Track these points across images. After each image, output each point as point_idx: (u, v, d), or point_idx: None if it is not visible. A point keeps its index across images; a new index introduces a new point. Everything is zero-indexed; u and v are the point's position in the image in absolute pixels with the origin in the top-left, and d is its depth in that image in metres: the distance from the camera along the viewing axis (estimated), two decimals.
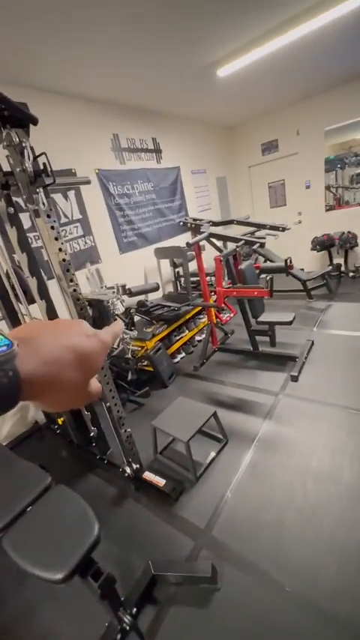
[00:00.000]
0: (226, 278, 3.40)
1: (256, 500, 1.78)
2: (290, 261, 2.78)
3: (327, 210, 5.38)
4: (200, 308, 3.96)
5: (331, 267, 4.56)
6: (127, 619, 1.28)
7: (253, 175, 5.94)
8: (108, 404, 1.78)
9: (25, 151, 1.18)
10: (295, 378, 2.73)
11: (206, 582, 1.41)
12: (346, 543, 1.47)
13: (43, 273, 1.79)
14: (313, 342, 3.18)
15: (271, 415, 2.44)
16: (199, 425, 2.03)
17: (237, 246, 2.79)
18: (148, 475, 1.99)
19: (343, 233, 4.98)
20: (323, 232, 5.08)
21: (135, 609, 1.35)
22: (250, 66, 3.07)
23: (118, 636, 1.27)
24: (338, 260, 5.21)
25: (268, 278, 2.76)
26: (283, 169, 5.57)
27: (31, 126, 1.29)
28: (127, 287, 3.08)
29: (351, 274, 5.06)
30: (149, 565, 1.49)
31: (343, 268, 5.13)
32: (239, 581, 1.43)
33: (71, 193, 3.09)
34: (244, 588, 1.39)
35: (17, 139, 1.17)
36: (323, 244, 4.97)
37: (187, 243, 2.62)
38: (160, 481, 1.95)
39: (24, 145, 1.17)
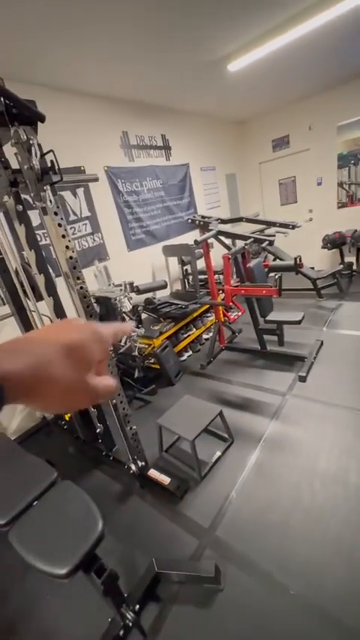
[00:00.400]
0: (234, 276, 3.37)
1: (261, 501, 1.77)
2: (300, 260, 2.74)
3: (339, 207, 5.27)
4: (208, 306, 3.94)
5: (342, 266, 4.47)
6: (129, 615, 1.29)
7: (264, 172, 5.86)
8: (114, 401, 1.79)
9: (33, 148, 1.18)
10: (303, 379, 2.70)
11: (209, 582, 1.41)
12: (353, 546, 1.44)
13: (51, 271, 1.80)
14: (322, 342, 3.13)
15: (278, 415, 2.41)
16: (204, 424, 2.02)
17: (246, 244, 2.75)
18: (153, 473, 2.00)
19: (356, 231, 4.87)
20: (335, 230, 4.98)
21: (138, 606, 1.36)
22: (261, 60, 3.01)
23: (121, 632, 1.28)
24: (350, 258, 5.10)
25: (277, 277, 2.72)
26: (294, 166, 5.48)
27: (39, 123, 1.30)
28: (134, 285, 3.08)
29: None
30: (153, 563, 1.50)
31: (354, 267, 5.03)
32: (242, 581, 1.42)
33: (80, 191, 3.10)
34: (247, 589, 1.38)
35: (25, 137, 1.17)
36: (334, 242, 4.87)
37: (196, 241, 2.60)
38: (165, 479, 1.95)
39: (31, 142, 1.18)
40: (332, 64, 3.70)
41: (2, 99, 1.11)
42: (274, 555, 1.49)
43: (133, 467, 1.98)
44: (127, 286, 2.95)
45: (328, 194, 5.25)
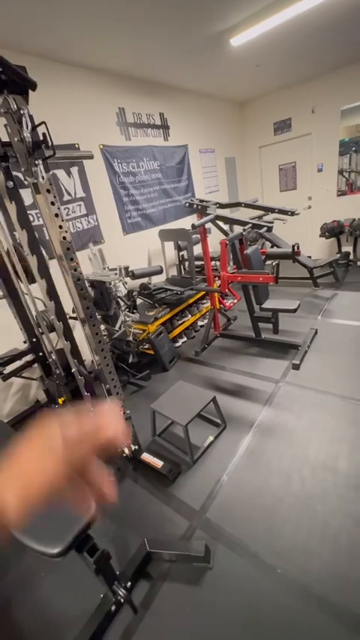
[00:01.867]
0: (231, 263, 3.33)
1: (251, 485, 1.80)
2: (297, 248, 2.71)
3: (338, 195, 5.20)
4: (204, 293, 3.91)
5: (339, 255, 4.45)
6: (121, 592, 1.32)
7: (264, 156, 5.72)
8: (107, 386, 1.78)
9: (24, 119, 1.11)
10: (296, 367, 2.72)
11: (199, 561, 1.44)
12: (340, 531, 1.49)
13: (44, 252, 1.74)
14: (316, 330, 3.14)
15: (270, 402, 2.44)
16: (197, 409, 2.04)
17: (244, 230, 2.71)
18: (146, 456, 2.02)
19: (354, 220, 4.82)
20: (333, 218, 4.93)
21: (130, 583, 1.39)
22: (265, 35, 2.87)
23: (113, 608, 1.32)
24: (347, 248, 5.08)
25: (274, 264, 2.69)
26: (295, 151, 5.35)
27: (32, 98, 1.22)
28: (130, 269, 3.02)
29: (359, 263, 4.95)
30: (145, 542, 1.53)
31: (351, 257, 5.01)
32: (231, 561, 1.46)
33: (74, 170, 2.98)
34: (235, 568, 1.43)
35: (15, 106, 1.10)
36: (332, 231, 4.83)
37: (193, 225, 2.54)
38: (158, 462, 1.97)
39: (22, 112, 1.11)
40: (339, 43, 3.55)
41: None
42: (263, 538, 1.53)
43: (127, 450, 1.99)
44: (123, 270, 2.89)
45: (328, 181, 5.17)
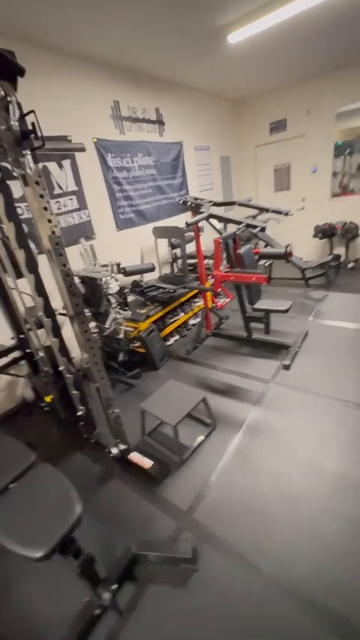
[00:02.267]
0: (224, 262, 3.32)
1: (240, 486, 1.79)
2: (290, 249, 2.71)
3: (332, 197, 5.24)
4: (196, 291, 3.89)
5: (331, 257, 4.49)
6: (106, 595, 1.30)
7: (259, 156, 5.72)
8: (97, 385, 1.75)
9: (11, 106, 1.06)
10: (287, 367, 2.73)
11: (186, 563, 1.43)
12: (326, 531, 1.49)
13: (33, 247, 1.70)
14: (307, 331, 3.16)
15: (260, 402, 2.44)
16: (187, 409, 2.02)
17: (238, 229, 2.69)
18: (134, 456, 1.99)
19: (346, 223, 4.87)
20: (326, 220, 4.97)
21: (115, 586, 1.37)
22: (263, 34, 2.85)
23: (97, 611, 1.29)
24: (339, 250, 5.12)
25: (267, 264, 2.68)
26: (290, 151, 5.36)
27: (22, 86, 1.17)
28: (122, 266, 2.98)
29: (350, 265, 5.00)
30: (131, 544, 1.51)
31: (343, 259, 5.06)
32: (217, 562, 1.45)
33: (66, 163, 2.92)
34: (221, 569, 1.42)
35: (2, 93, 1.05)
36: (325, 233, 4.87)
37: (187, 223, 2.51)
38: (147, 463, 1.94)
39: (9, 99, 1.06)
40: (337, 44, 3.55)
41: None
42: (250, 538, 1.52)
43: (115, 450, 1.96)
44: (114, 267, 2.85)
45: (322, 183, 5.20)
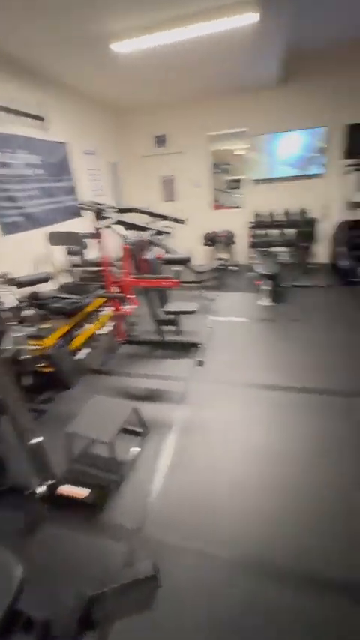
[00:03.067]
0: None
1: (183, 486, 1.83)
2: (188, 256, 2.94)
3: (215, 209, 5.93)
4: (102, 301, 3.72)
5: (221, 262, 5.10)
6: None
7: (147, 167, 5.93)
8: (13, 416, 1.47)
9: None
10: (201, 363, 2.94)
11: (149, 582, 1.36)
12: (270, 507, 1.66)
13: None
14: (212, 328, 3.48)
15: (184, 401, 2.54)
16: (120, 422, 1.93)
17: (150, 235, 2.74)
18: (65, 489, 1.75)
19: (229, 232, 5.63)
20: (211, 229, 5.61)
21: None
22: (147, 51, 3.00)
23: None
24: (223, 255, 5.86)
25: (172, 269, 2.83)
26: (172, 165, 5.78)
27: None
28: (10, 276, 2.58)
29: (232, 268, 5.79)
30: (82, 589, 1.33)
31: (227, 262, 5.81)
32: (178, 567, 1.44)
33: None
34: (184, 571, 1.41)
35: None
36: (212, 240, 5.50)
37: (97, 229, 2.39)
38: (82, 492, 1.75)
39: None
40: (207, 78, 4.06)
41: None
42: (204, 532, 1.57)
43: (41, 488, 1.68)
44: (5, 278, 2.44)
45: (204, 196, 5.81)
